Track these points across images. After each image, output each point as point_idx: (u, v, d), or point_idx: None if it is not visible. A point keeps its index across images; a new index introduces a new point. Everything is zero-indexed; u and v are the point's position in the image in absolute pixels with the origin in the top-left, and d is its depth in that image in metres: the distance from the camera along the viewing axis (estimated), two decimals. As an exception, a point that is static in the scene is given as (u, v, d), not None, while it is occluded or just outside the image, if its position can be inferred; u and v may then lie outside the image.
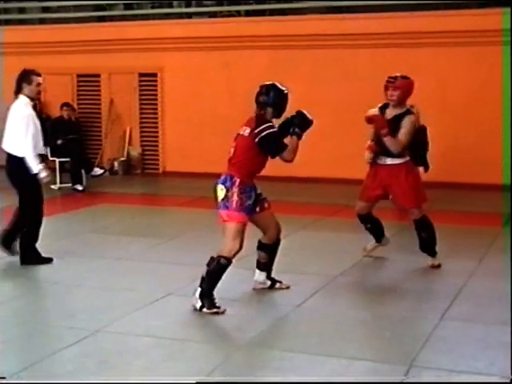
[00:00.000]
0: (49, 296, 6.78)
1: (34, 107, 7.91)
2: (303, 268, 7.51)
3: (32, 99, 7.72)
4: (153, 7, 15.38)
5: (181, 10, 15.10)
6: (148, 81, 14.66)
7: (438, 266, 7.48)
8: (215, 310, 5.95)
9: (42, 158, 7.78)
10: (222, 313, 5.95)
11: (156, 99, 14.58)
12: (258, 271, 6.66)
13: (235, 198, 6.04)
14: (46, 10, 16.27)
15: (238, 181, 6.08)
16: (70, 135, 13.32)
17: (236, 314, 6.06)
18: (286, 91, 6.24)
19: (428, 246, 7.53)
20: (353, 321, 6.01)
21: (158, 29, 14.27)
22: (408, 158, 7.37)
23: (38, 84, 7.66)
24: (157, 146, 14.73)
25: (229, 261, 6.02)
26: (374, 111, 7.33)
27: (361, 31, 12.72)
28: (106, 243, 8.72)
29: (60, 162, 13.03)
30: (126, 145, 14.82)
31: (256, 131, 6.04)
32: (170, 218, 10.70)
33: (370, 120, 7.27)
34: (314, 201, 11.47)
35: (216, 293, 6.06)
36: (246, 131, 6.11)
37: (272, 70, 13.09)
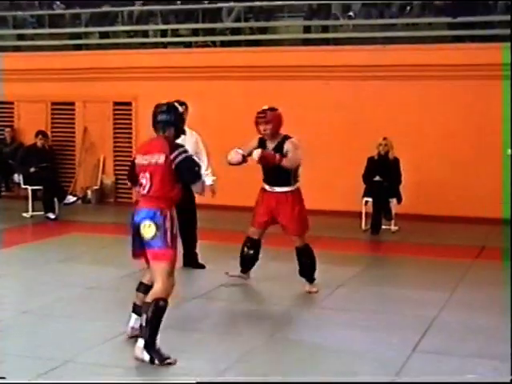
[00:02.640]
0: (16, 325, 6.66)
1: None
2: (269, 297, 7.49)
3: None
4: (128, 36, 15.45)
5: (156, 39, 15.15)
6: (122, 109, 14.63)
7: (316, 291, 7.66)
8: (168, 361, 5.52)
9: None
10: (175, 362, 5.53)
11: (130, 128, 14.55)
12: (134, 316, 5.99)
13: (169, 234, 5.56)
14: (21, 37, 16.26)
15: (168, 214, 5.57)
16: (43, 163, 13.23)
17: (209, 344, 6.04)
18: (181, 110, 5.87)
19: (308, 271, 7.70)
20: (318, 354, 5.97)
21: (134, 58, 14.28)
22: (296, 186, 7.58)
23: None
24: (130, 174, 14.66)
25: (166, 301, 5.56)
26: (257, 151, 7.42)
27: (337, 63, 12.80)
28: (75, 273, 8.61)
29: (33, 189, 12.92)
30: (100, 173, 14.75)
31: (172, 156, 5.52)
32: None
33: (262, 159, 7.42)
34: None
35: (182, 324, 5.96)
36: (161, 158, 5.53)
37: (246, 100, 13.12)
